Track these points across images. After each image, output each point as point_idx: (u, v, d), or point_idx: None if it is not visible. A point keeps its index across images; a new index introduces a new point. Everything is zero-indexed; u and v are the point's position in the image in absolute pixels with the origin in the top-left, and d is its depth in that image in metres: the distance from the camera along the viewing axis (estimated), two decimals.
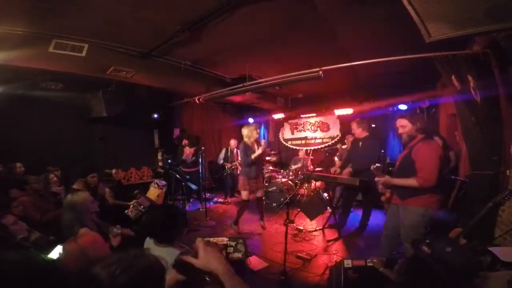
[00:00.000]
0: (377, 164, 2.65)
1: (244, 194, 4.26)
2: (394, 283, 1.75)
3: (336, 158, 5.79)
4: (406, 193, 2.45)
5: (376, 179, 2.67)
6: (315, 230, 4.31)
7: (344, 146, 5.66)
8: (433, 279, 1.28)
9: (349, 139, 5.33)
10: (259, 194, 4.38)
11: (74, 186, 2.94)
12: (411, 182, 2.36)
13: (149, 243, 1.77)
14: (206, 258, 0.82)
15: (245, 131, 4.27)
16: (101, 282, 0.72)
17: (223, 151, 6.89)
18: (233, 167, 6.59)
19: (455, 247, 1.42)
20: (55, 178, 3.95)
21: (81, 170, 3.07)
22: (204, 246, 0.85)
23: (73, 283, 0.74)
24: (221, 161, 6.79)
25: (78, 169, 3.09)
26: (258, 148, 4.20)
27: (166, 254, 1.39)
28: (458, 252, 1.39)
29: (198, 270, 0.82)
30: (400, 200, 2.52)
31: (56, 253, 1.87)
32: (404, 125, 2.54)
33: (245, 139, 4.26)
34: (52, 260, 1.62)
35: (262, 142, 4.43)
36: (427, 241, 1.54)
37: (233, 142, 6.80)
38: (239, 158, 5.18)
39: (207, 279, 0.81)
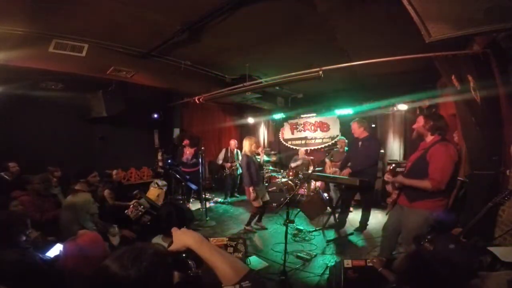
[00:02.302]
0: (393, 165, 2.67)
1: (257, 203, 4.22)
2: (393, 282, 1.74)
3: (326, 160, 5.80)
4: (416, 196, 2.40)
5: (386, 176, 2.66)
6: (315, 230, 4.31)
7: (335, 149, 5.74)
8: (433, 277, 1.27)
9: (341, 143, 5.61)
10: (265, 198, 4.39)
11: (76, 187, 2.91)
12: (425, 184, 2.31)
13: (157, 239, 1.79)
14: (177, 239, 0.87)
15: (246, 144, 4.24)
16: (115, 275, 0.72)
17: (223, 151, 6.87)
18: (233, 167, 6.58)
19: (458, 244, 1.40)
20: (54, 179, 3.94)
21: (81, 171, 3.05)
22: (174, 230, 0.90)
23: (71, 281, 0.74)
24: (220, 161, 6.77)
25: (77, 171, 3.07)
26: (257, 158, 4.41)
27: None
28: (461, 249, 1.37)
29: (177, 253, 0.85)
30: (408, 202, 2.48)
31: (54, 251, 1.87)
32: (418, 121, 2.57)
33: (247, 151, 4.24)
34: (49, 260, 1.62)
35: (260, 150, 4.60)
36: (429, 237, 1.53)
37: (233, 143, 6.79)
38: (239, 161, 5.18)
39: (190, 262, 0.84)
